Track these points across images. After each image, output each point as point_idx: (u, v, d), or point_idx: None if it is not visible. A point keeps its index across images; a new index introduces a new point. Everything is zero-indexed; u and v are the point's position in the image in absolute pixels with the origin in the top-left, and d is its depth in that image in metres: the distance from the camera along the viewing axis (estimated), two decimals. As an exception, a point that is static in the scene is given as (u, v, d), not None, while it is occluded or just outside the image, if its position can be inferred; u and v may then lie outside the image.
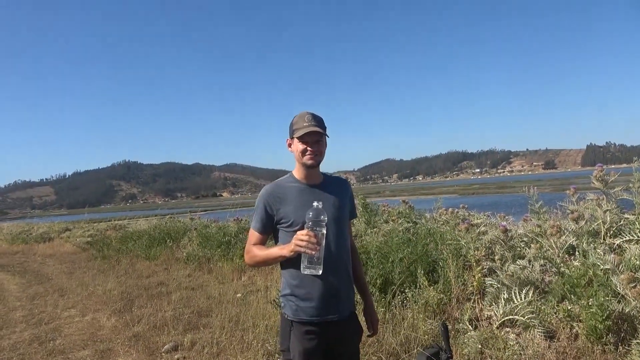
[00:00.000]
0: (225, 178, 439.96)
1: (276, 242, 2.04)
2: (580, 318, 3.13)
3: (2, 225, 29.77)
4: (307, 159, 1.93)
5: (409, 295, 4.17)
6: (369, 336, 2.26)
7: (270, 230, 2.01)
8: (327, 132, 1.98)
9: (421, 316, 3.83)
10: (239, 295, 5.98)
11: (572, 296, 3.27)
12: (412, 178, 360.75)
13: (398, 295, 4.27)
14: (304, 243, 1.74)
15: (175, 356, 4.09)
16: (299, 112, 1.99)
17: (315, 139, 1.93)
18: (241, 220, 9.58)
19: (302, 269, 1.82)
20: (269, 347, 3.89)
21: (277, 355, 3.72)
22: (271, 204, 1.96)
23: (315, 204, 1.81)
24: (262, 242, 2.00)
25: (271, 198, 1.96)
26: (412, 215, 6.97)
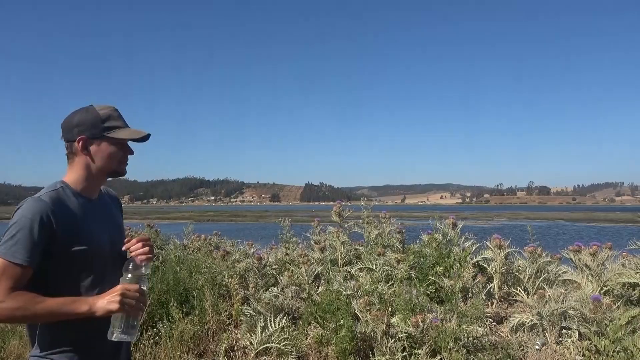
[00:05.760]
0: None
1: (43, 279, 1.41)
2: (330, 341, 3.41)
3: None
4: (123, 167, 1.55)
5: (162, 330, 3.80)
6: None
7: (39, 262, 1.37)
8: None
9: (178, 353, 3.52)
10: None
11: (324, 321, 3.56)
12: (146, 201, 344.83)
13: (148, 330, 3.84)
14: (133, 302, 1.33)
15: None
16: (97, 104, 1.53)
17: (129, 143, 1.57)
18: None
19: (116, 334, 1.35)
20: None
21: None
22: (52, 222, 1.36)
23: (132, 253, 1.45)
24: (24, 281, 1.35)
25: (53, 214, 1.37)
26: (157, 241, 6.55)
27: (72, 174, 1.51)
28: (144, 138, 1.56)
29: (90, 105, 1.52)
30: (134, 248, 1.46)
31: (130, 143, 1.58)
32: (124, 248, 1.49)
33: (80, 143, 1.47)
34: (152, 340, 3.74)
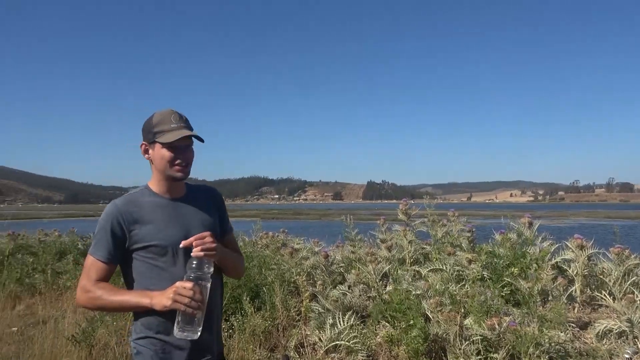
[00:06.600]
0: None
1: (128, 272, 1.60)
2: (401, 341, 3.36)
3: None
4: (177, 170, 1.58)
5: (235, 324, 3.93)
6: None
7: (120, 259, 1.58)
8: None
9: (250, 347, 3.62)
10: (14, 329, 4.81)
11: (394, 321, 3.51)
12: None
13: (222, 323, 3.99)
14: (186, 300, 1.40)
15: None
16: (160, 109, 1.62)
17: (186, 144, 1.59)
18: (19, 235, 7.90)
19: (175, 330, 1.45)
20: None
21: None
22: (123, 223, 1.53)
23: (195, 253, 1.47)
24: (108, 276, 1.56)
25: (123, 216, 1.54)
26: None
27: (152, 177, 1.65)
28: (191, 139, 1.58)
29: (155, 112, 1.63)
30: (195, 244, 1.50)
31: (197, 145, 1.64)
32: (181, 245, 1.52)
33: (142, 148, 1.63)
34: (226, 333, 3.88)
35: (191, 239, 1.51)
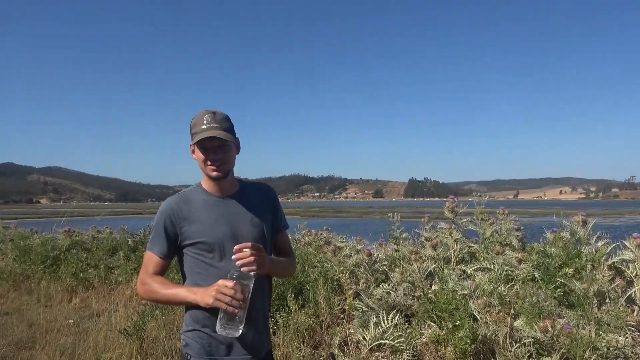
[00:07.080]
0: (46, 183, 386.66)
1: (181, 267, 1.67)
2: (447, 341, 3.28)
3: None
4: (210, 169, 1.60)
5: (279, 321, 3.97)
6: None
7: (174, 254, 1.65)
8: (234, 134, 1.64)
9: (295, 344, 3.65)
10: (70, 321, 5.06)
11: (440, 321, 3.44)
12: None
13: (267, 320, 4.04)
14: (227, 299, 1.42)
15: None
16: (199, 110, 1.63)
17: (217, 144, 1.59)
18: (74, 232, 8.29)
19: (217, 327, 1.47)
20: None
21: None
22: (174, 220, 1.60)
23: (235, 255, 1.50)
24: (163, 270, 1.63)
25: (174, 213, 1.60)
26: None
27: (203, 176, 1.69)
28: (208, 139, 1.56)
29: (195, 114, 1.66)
30: (238, 249, 1.50)
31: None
32: (235, 249, 1.52)
33: (190, 149, 1.67)
34: (270, 330, 3.92)
35: (242, 245, 1.51)
